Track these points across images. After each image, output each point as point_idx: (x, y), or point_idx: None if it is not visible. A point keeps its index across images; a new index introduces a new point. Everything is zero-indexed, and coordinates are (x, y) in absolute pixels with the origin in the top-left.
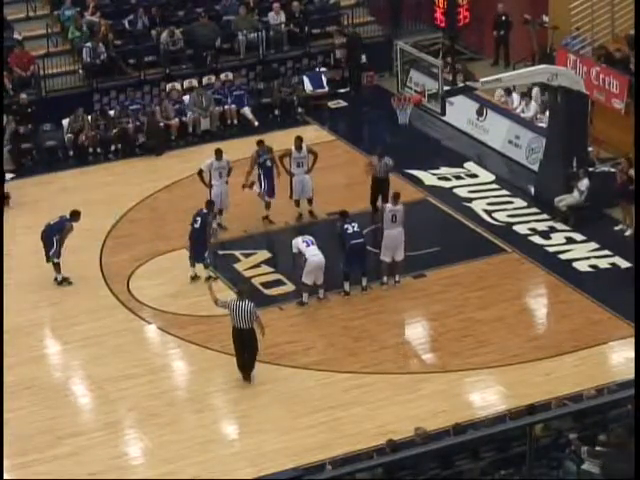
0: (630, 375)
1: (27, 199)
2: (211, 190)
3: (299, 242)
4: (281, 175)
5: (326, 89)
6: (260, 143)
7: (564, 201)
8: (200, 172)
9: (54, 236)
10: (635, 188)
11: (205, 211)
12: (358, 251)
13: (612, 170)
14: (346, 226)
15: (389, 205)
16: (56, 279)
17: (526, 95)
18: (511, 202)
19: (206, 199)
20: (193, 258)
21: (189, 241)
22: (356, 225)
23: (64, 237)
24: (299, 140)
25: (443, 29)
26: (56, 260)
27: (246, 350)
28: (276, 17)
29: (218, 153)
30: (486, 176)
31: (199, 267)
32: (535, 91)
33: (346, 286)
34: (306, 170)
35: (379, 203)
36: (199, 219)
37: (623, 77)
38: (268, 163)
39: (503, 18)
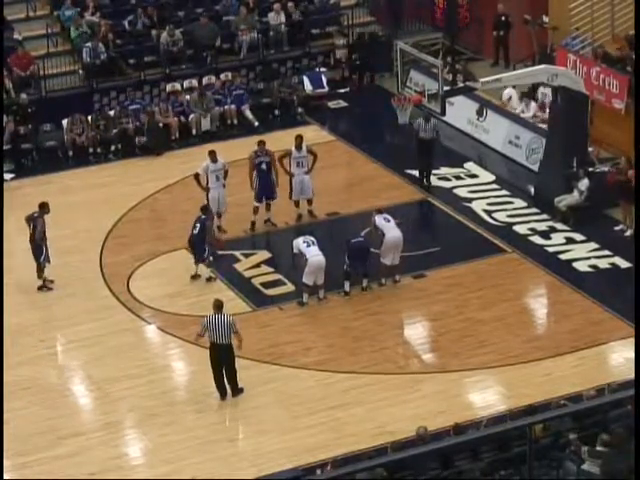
0: (630, 375)
1: (27, 199)
2: (208, 193)
3: (300, 242)
4: (281, 176)
5: (326, 89)
6: (260, 143)
7: (564, 201)
8: (196, 175)
9: (40, 241)
10: (635, 188)
11: (204, 217)
12: (359, 250)
13: (612, 170)
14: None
15: (377, 216)
16: (44, 281)
17: (526, 95)
18: (511, 202)
19: (202, 203)
20: (195, 259)
21: (189, 246)
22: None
23: (42, 233)
24: (299, 139)
25: (443, 29)
26: (48, 265)
27: (224, 366)
28: (276, 17)
29: (212, 155)
30: (486, 176)
31: (201, 266)
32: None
33: (346, 286)
34: (306, 170)
35: (374, 218)
36: (198, 225)
37: (623, 77)
38: (263, 166)
39: (503, 18)
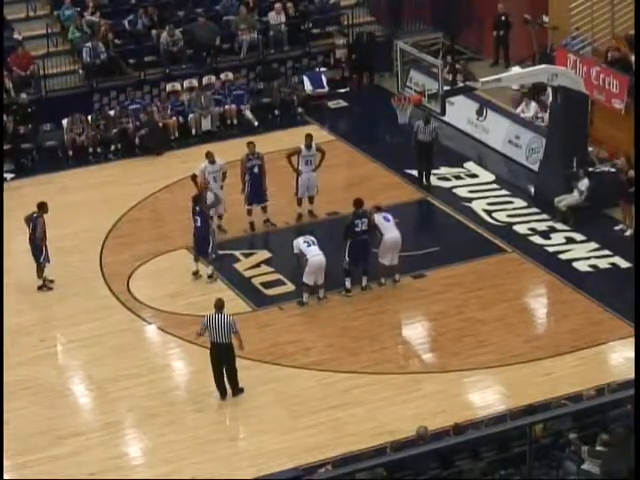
0: (630, 375)
1: (27, 199)
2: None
3: (300, 242)
4: (281, 175)
5: (326, 89)
6: (249, 145)
7: (564, 201)
8: (194, 177)
9: (40, 241)
10: (635, 188)
11: (198, 208)
12: (361, 248)
13: (612, 170)
14: (356, 221)
15: (376, 214)
16: (44, 281)
17: (526, 95)
18: (511, 202)
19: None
20: (196, 252)
21: (193, 238)
22: (365, 223)
23: (42, 233)
24: (309, 138)
25: (443, 29)
26: (48, 264)
27: (225, 366)
28: (276, 17)
29: (210, 156)
30: (486, 176)
31: (202, 264)
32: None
33: (347, 283)
34: (313, 168)
35: (373, 216)
36: (198, 218)
37: (623, 77)
38: (255, 170)
39: (503, 18)
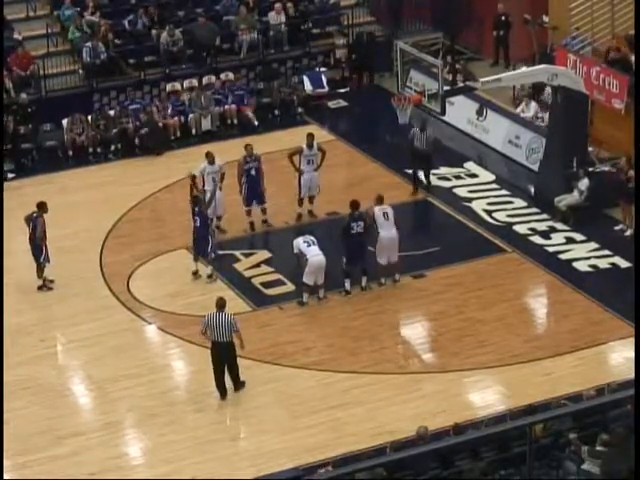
0: (630, 375)
1: (27, 199)
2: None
3: (300, 242)
4: (281, 175)
5: (326, 89)
6: (247, 147)
7: (564, 201)
8: (193, 177)
9: (40, 241)
10: (635, 188)
11: (197, 209)
12: (357, 246)
13: (612, 170)
14: (352, 224)
15: (376, 207)
16: (44, 281)
17: (527, 95)
18: (511, 202)
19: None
20: (196, 252)
21: (192, 238)
22: (361, 226)
23: (42, 232)
24: (311, 137)
25: (443, 29)
26: (48, 264)
27: (227, 365)
28: (276, 17)
29: (210, 157)
30: (486, 176)
31: (202, 263)
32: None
33: (347, 285)
34: (315, 167)
35: (374, 210)
36: (198, 218)
37: (623, 77)
38: (252, 172)
39: (503, 18)
